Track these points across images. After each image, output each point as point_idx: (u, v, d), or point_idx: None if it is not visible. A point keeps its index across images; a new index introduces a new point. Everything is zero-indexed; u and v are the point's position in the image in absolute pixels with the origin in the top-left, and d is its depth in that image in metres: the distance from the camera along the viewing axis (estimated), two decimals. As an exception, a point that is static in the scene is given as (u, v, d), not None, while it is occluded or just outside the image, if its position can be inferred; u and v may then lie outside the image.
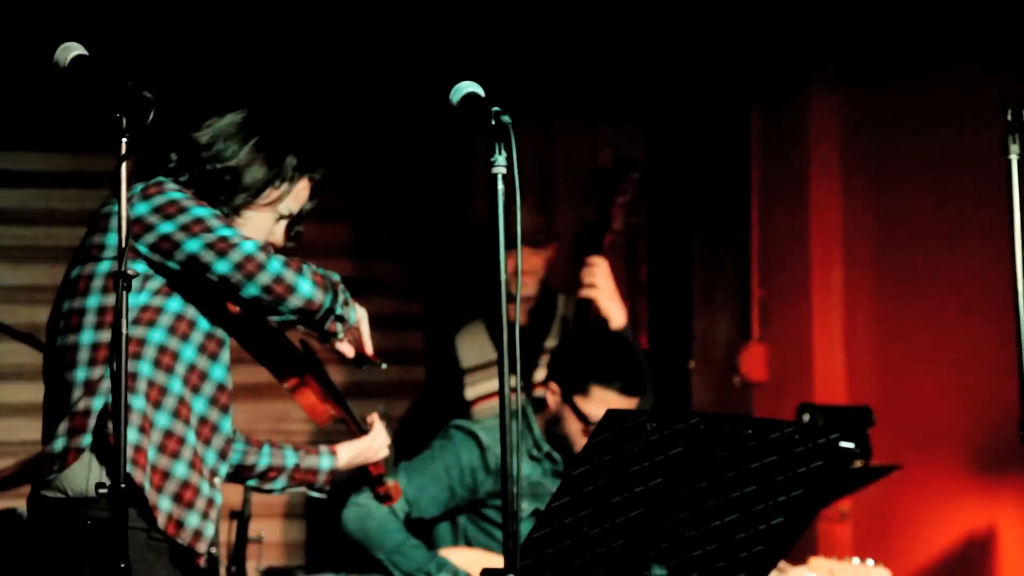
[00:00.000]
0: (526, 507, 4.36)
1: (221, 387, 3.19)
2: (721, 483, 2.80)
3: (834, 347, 5.82)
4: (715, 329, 6.13)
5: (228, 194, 3.21)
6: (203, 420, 3.16)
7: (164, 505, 3.06)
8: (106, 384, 3.03)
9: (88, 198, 5.16)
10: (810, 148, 5.91)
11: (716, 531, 2.84)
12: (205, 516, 3.14)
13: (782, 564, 4.22)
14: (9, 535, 4.03)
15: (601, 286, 4.87)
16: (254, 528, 4.69)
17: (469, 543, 4.48)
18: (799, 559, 4.32)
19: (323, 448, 3.56)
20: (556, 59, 5.93)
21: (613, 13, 5.92)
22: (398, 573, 4.25)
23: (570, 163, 6.12)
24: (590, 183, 5.38)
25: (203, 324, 3.15)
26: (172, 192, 3.12)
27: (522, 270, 5.20)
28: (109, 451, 2.98)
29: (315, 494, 3.56)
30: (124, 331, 2.70)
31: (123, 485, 2.69)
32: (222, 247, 3.08)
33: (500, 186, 2.71)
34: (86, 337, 3.08)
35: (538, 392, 4.52)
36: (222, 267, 3.08)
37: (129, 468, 2.94)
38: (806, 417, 4.87)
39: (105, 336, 3.06)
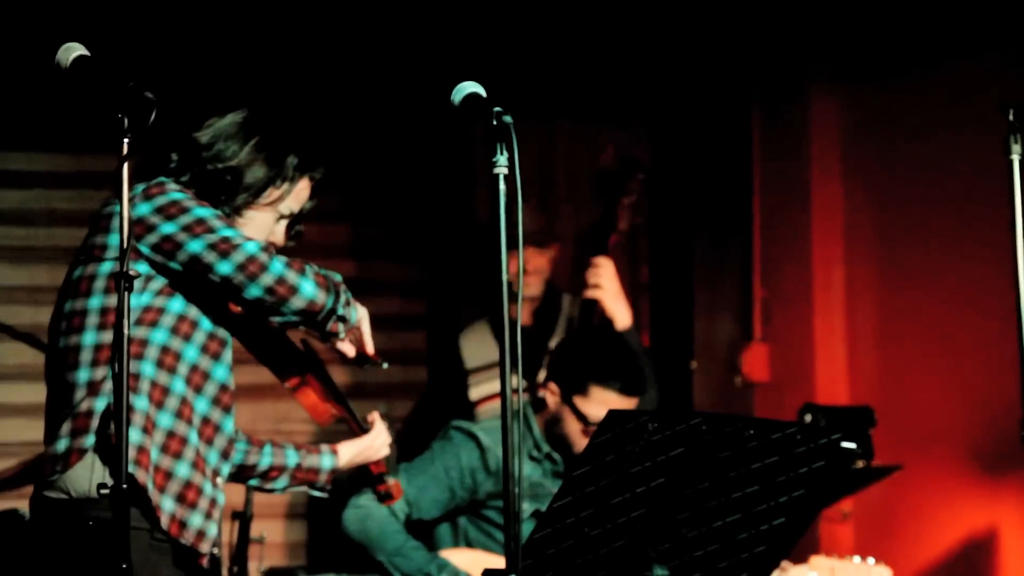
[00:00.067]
0: (526, 508, 4.36)
1: (223, 387, 3.20)
2: (723, 483, 2.80)
3: (836, 347, 5.82)
4: (717, 329, 6.13)
5: (229, 194, 3.21)
6: (205, 420, 3.16)
7: (167, 506, 3.06)
8: (109, 385, 3.03)
9: (89, 198, 5.16)
10: (811, 148, 5.90)
11: (718, 531, 2.84)
12: (208, 516, 3.14)
13: (783, 563, 4.22)
14: (11, 536, 4.03)
15: (606, 287, 4.87)
16: (256, 528, 4.70)
17: (470, 544, 4.48)
18: (800, 558, 4.32)
19: (324, 447, 3.56)
20: (557, 60, 5.93)
21: (614, 14, 5.92)
22: (398, 575, 4.25)
23: (572, 163, 6.12)
24: (595, 183, 5.38)
25: (205, 324, 3.15)
26: (174, 192, 3.12)
27: (527, 270, 5.28)
28: (112, 452, 2.97)
29: (317, 493, 3.56)
30: (126, 332, 2.70)
31: (125, 486, 2.69)
32: (224, 248, 3.08)
33: (502, 186, 2.72)
34: (88, 338, 3.08)
35: (540, 393, 4.52)
36: (225, 268, 3.08)
37: (132, 469, 2.95)
38: (808, 417, 4.87)
39: (107, 337, 3.06)
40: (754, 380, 6.02)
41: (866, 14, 5.65)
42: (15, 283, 5.58)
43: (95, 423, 3.02)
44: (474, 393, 5.38)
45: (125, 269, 2.71)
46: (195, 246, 3.07)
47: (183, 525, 3.08)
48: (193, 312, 3.14)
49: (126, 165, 2.74)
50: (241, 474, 3.46)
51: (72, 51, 2.85)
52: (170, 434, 3.08)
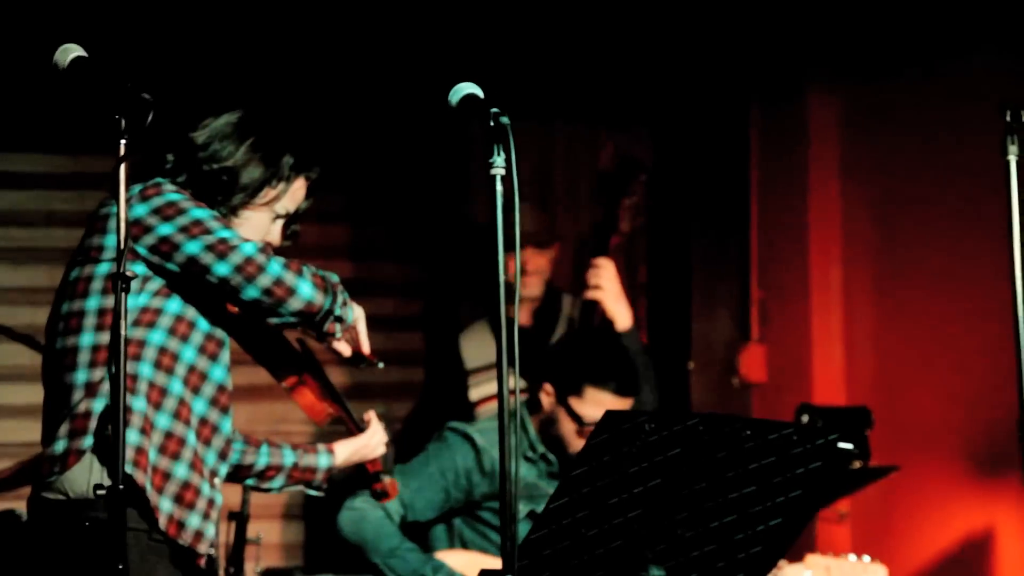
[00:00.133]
0: (521, 509, 4.35)
1: (221, 388, 3.20)
2: (720, 484, 2.80)
3: (833, 348, 5.82)
4: (714, 330, 6.13)
5: (225, 194, 3.21)
6: (203, 421, 3.16)
7: (165, 506, 3.06)
8: (106, 386, 3.03)
9: (86, 199, 5.15)
10: (809, 149, 5.91)
11: (715, 532, 2.84)
12: (206, 517, 3.14)
13: (779, 562, 4.22)
14: (9, 537, 4.03)
15: (607, 287, 4.87)
16: (252, 529, 4.69)
17: (465, 545, 4.48)
18: (796, 557, 4.32)
19: (321, 446, 3.56)
20: (556, 61, 5.93)
21: (613, 15, 5.92)
22: (393, 576, 4.26)
23: (572, 164, 6.12)
24: (596, 184, 5.38)
25: (203, 325, 3.16)
26: (170, 193, 3.12)
27: (527, 270, 5.27)
28: (110, 453, 2.97)
29: (313, 492, 3.57)
30: (123, 333, 2.70)
31: (121, 487, 2.69)
32: (222, 249, 3.08)
33: (499, 187, 2.72)
34: (86, 339, 3.08)
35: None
36: (222, 269, 3.08)
37: (131, 469, 2.95)
38: (805, 418, 4.87)
39: (105, 338, 3.06)
40: (751, 381, 6.02)
41: (864, 15, 5.66)
42: (13, 284, 5.58)
43: (93, 424, 3.02)
44: (474, 394, 5.38)
45: (122, 270, 2.71)
46: (192, 247, 3.07)
47: (181, 526, 3.08)
48: (190, 313, 3.14)
49: (123, 166, 2.74)
50: (238, 474, 3.46)
51: (70, 52, 2.85)
52: (168, 435, 3.08)
